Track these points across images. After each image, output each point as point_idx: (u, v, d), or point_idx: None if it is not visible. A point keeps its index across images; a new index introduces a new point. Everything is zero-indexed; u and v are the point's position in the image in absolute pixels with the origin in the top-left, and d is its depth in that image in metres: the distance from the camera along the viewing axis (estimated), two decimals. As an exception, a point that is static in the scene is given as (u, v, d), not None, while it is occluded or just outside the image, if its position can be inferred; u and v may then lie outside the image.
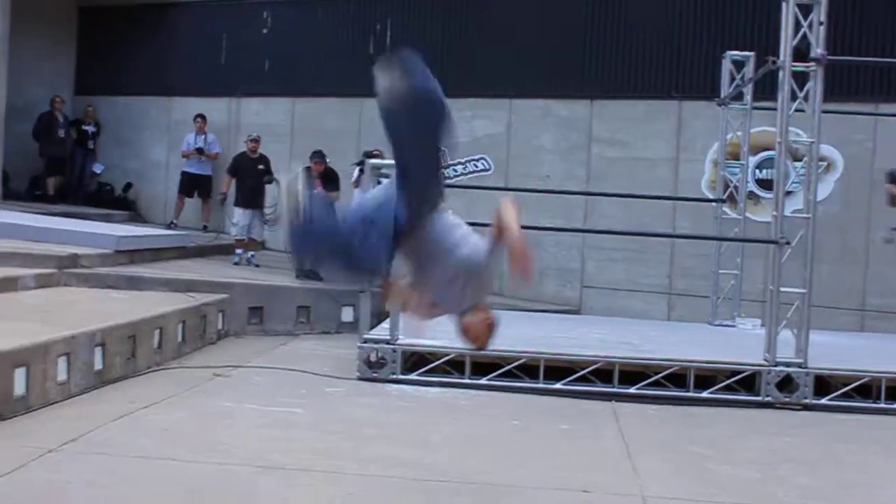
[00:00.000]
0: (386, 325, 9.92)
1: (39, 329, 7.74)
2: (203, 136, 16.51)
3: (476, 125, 15.10)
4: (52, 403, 7.29)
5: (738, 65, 12.29)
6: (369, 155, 13.17)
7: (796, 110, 9.27)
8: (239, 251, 14.00)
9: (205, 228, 16.18)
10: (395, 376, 9.34)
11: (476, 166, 15.05)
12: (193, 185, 16.55)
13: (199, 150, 16.37)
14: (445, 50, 15.40)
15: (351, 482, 5.97)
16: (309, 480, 5.96)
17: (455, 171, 14.99)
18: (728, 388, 9.35)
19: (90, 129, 17.84)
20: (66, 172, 17.72)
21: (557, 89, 14.68)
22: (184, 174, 16.61)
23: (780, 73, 9.12)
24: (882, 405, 9.20)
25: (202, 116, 16.58)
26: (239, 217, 14.08)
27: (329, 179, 13.16)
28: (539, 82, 14.78)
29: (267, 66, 16.82)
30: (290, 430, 7.17)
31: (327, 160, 13.44)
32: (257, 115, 16.46)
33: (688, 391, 9.30)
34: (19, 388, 6.93)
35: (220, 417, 7.41)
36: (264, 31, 16.90)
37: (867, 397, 9.27)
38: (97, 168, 18.05)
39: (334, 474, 6.11)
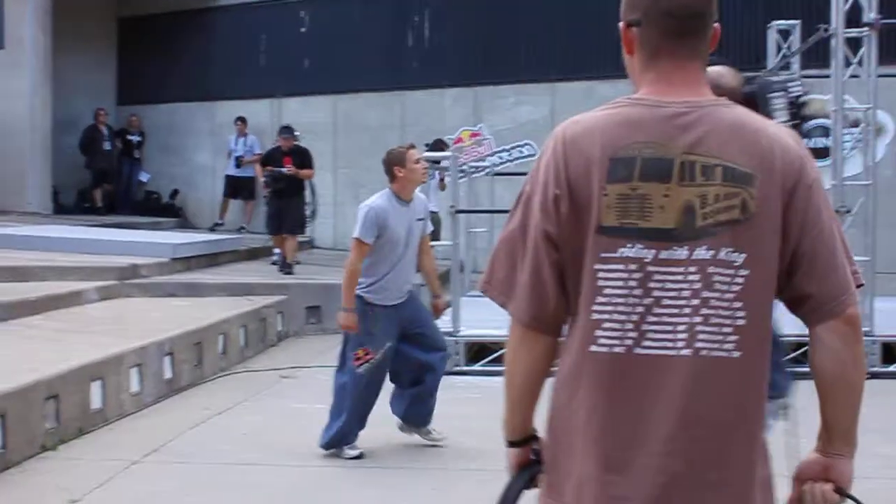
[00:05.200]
0: (447, 317, 9.91)
1: (110, 341, 7.84)
2: (243, 139, 16.64)
3: (520, 111, 15.07)
4: (128, 415, 7.38)
5: (784, 34, 12.15)
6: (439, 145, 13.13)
7: (851, 76, 9.17)
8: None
9: (241, 230, 16.29)
10: (459, 368, 9.34)
11: (521, 152, 15.02)
12: (236, 188, 16.72)
13: (239, 160, 16.51)
14: (486, 38, 15.39)
15: (441, 477, 6.00)
16: (396, 478, 5.99)
17: (500, 158, 14.97)
18: (794, 361, 9.28)
19: (135, 138, 18.02)
20: (112, 183, 17.89)
21: (600, 69, 14.59)
22: (227, 177, 16.78)
23: (833, 40, 9.01)
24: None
25: (242, 119, 16.69)
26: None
27: (300, 155, 13.08)
28: (581, 63, 14.71)
29: (307, 64, 16.89)
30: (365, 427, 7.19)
31: (296, 134, 13.40)
32: (299, 114, 16.49)
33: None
34: (96, 401, 7.02)
35: (294, 419, 7.46)
36: (302, 30, 16.97)
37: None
38: (143, 177, 18.22)
39: (424, 469, 6.14)
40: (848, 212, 9.12)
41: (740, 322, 2.01)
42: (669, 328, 2.01)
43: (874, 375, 8.92)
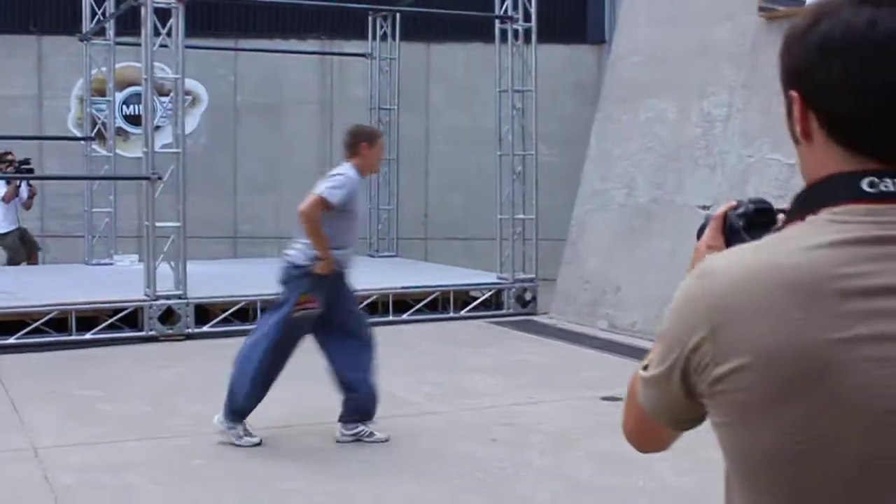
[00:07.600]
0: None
1: None
2: None
3: None
4: None
5: (99, 1, 12.10)
6: None
7: (161, 46, 9.39)
8: None
9: None
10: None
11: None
12: None
13: None
14: None
15: None
16: None
17: None
18: (113, 327, 9.36)
19: None
20: None
21: None
22: None
23: (143, 10, 9.17)
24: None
25: None
26: None
27: None
28: None
29: None
30: None
31: None
32: None
33: (71, 335, 9.15)
34: None
35: None
36: None
37: (245, 320, 9.81)
38: None
39: None
40: (160, 178, 9.37)
41: None
42: None
43: (189, 336, 9.35)
